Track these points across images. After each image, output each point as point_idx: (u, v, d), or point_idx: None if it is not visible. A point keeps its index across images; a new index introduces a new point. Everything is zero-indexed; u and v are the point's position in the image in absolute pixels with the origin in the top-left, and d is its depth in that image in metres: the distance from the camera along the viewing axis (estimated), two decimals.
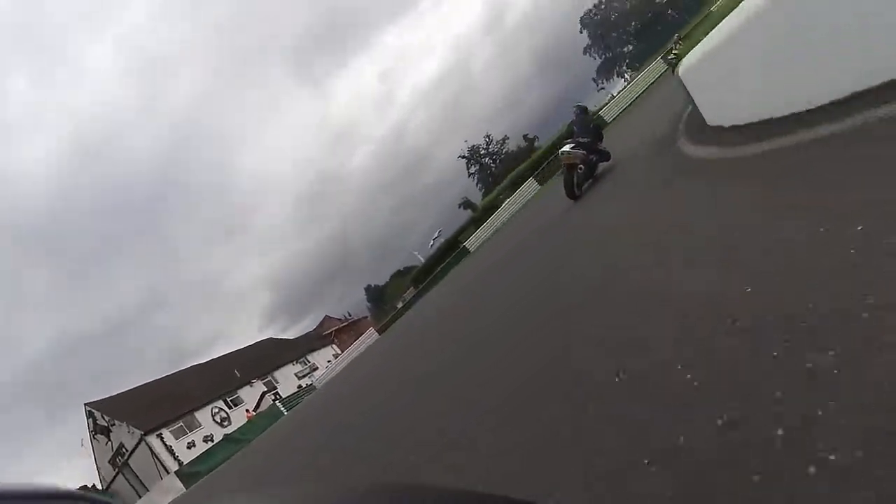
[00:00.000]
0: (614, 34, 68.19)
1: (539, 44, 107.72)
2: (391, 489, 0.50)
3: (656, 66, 23.90)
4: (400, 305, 33.49)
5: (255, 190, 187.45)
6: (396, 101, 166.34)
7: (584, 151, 8.42)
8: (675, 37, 21.58)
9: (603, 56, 70.31)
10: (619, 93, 27.80)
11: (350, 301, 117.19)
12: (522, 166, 29.71)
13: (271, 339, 51.33)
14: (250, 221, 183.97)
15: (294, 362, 43.70)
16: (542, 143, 42.25)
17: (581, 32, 71.22)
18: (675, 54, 18.84)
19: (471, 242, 26.77)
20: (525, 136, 69.02)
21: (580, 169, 8.38)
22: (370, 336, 30.10)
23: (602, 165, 9.14)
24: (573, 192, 8.31)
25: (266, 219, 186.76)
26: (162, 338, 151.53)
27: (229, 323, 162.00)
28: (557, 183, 14.30)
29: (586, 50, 71.66)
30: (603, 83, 69.25)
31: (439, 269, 28.92)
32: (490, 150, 71.04)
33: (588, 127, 9.10)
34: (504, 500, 0.53)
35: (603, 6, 69.52)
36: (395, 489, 0.51)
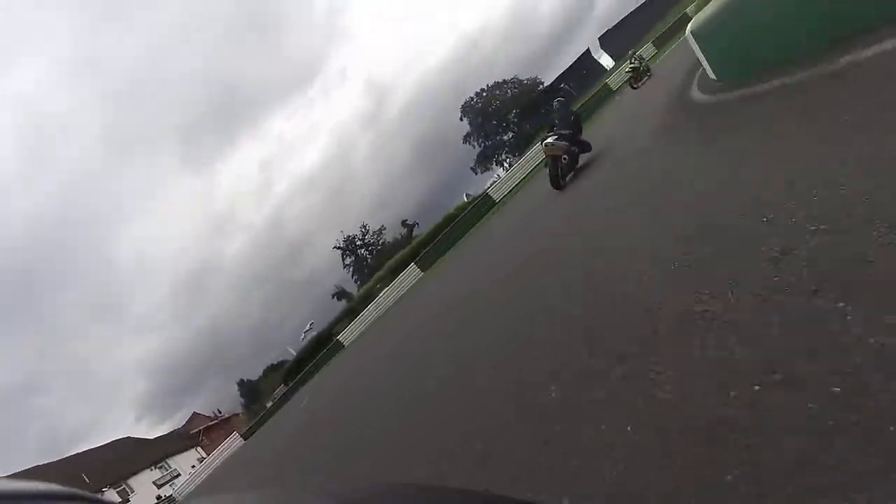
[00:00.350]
0: (494, 122, 70.12)
1: (421, 132, 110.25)
2: (393, 490, 0.49)
3: (534, 154, 22.71)
4: (269, 404, 31.37)
5: (133, 272, 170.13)
6: (276, 189, 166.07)
7: (567, 143, 8.70)
8: (631, 52, 22.24)
9: (483, 144, 71.03)
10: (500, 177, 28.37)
11: (224, 395, 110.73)
12: (402, 253, 29.88)
13: (130, 437, 44.57)
14: (128, 305, 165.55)
15: (153, 467, 38.23)
16: (423, 230, 42.80)
17: (461, 120, 71.75)
18: (632, 68, 20.67)
19: (346, 335, 25.91)
20: (404, 223, 64.54)
21: (564, 159, 8.64)
22: (234, 441, 27.31)
23: (583, 157, 9.35)
24: (558, 183, 8.57)
25: (144, 304, 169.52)
26: (36, 424, 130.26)
27: (103, 412, 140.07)
28: (454, 259, 14.38)
29: (466, 138, 71.51)
30: (480, 171, 70.40)
31: (311, 364, 27.70)
32: (366, 240, 67.79)
33: (569, 119, 9.25)
34: (505, 500, 0.54)
35: (484, 94, 71.15)
36: (397, 490, 0.50)
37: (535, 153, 22.58)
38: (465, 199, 36.36)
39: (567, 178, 8.86)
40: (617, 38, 57.33)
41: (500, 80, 71.57)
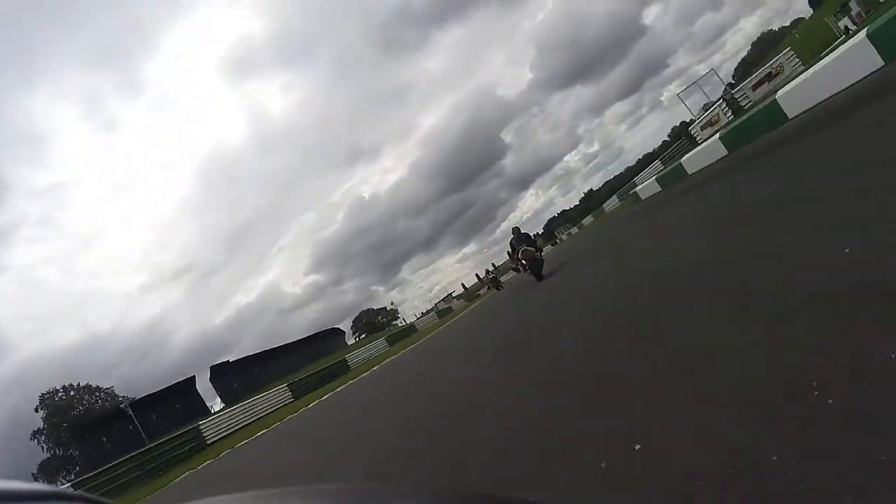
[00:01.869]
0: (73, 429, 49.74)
1: None
2: (394, 491, 0.50)
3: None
4: None
5: None
6: None
7: (534, 248, 13.10)
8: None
9: (52, 451, 52.55)
10: None
11: None
12: None
13: None
14: None
15: None
16: None
17: (37, 411, 53.30)
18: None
19: None
20: None
21: (537, 257, 12.74)
22: None
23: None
24: (540, 276, 12.57)
25: None
26: None
27: None
28: None
29: (35, 435, 52.83)
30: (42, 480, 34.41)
31: None
32: None
33: (527, 238, 13.77)
34: (506, 500, 0.52)
35: (73, 394, 55.01)
36: (399, 491, 0.50)
37: None
38: None
39: (543, 273, 12.79)
40: (230, 374, 51.27)
41: (94, 386, 57.30)
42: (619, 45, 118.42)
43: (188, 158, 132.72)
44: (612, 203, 46.00)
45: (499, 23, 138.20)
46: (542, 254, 13.65)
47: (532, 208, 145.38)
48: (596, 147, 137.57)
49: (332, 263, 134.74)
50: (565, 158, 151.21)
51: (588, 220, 45.97)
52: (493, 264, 33.04)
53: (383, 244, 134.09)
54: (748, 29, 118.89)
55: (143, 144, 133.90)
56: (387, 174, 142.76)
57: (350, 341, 72.31)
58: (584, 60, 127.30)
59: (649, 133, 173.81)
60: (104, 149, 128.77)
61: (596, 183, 76.69)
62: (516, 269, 14.23)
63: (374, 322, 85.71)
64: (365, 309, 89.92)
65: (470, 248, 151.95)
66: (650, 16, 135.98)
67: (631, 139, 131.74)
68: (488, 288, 32.09)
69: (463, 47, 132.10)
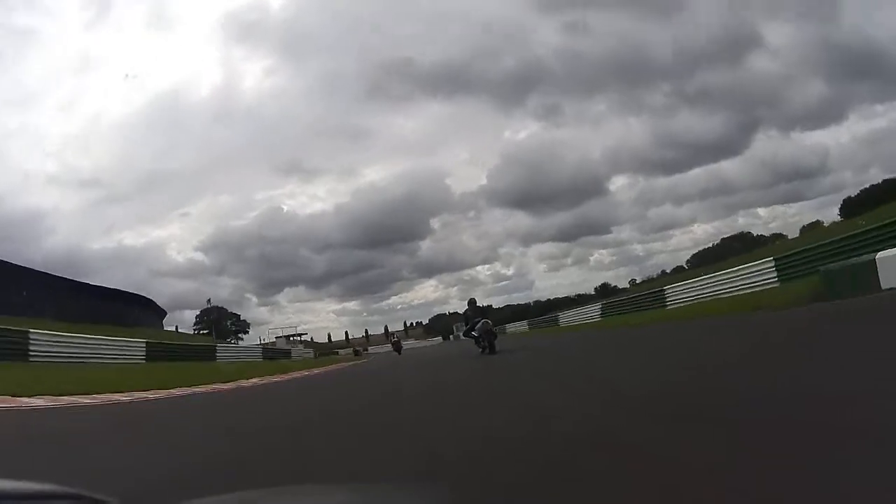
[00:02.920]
0: None
1: None
2: (395, 491, 0.50)
3: None
4: None
5: None
6: None
7: (490, 321, 13.98)
8: None
9: None
10: None
11: None
12: None
13: None
14: None
15: None
16: None
17: None
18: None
19: None
20: None
21: (493, 332, 13.41)
22: None
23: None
24: (494, 349, 12.90)
25: None
26: None
27: None
28: None
29: None
30: None
31: None
32: None
33: (483, 311, 15.25)
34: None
35: None
36: (401, 490, 0.52)
37: None
38: None
39: (496, 347, 13.21)
40: None
41: None
42: (575, 194, 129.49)
43: (152, 84, 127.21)
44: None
45: (483, 119, 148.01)
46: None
47: (426, 297, 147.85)
48: (510, 271, 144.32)
49: (223, 253, 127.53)
50: (478, 268, 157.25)
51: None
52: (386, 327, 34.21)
53: (277, 261, 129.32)
54: (697, 233, 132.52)
55: (123, 43, 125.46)
56: (313, 201, 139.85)
57: (172, 328, 58.87)
58: (538, 192, 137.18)
59: (563, 282, 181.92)
60: (88, 26, 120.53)
61: (495, 302, 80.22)
62: (477, 343, 13.56)
63: (222, 324, 76.55)
64: (221, 307, 79.45)
65: (352, 304, 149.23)
66: (616, 183, 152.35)
67: (545, 279, 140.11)
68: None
69: (438, 125, 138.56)
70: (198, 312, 78.29)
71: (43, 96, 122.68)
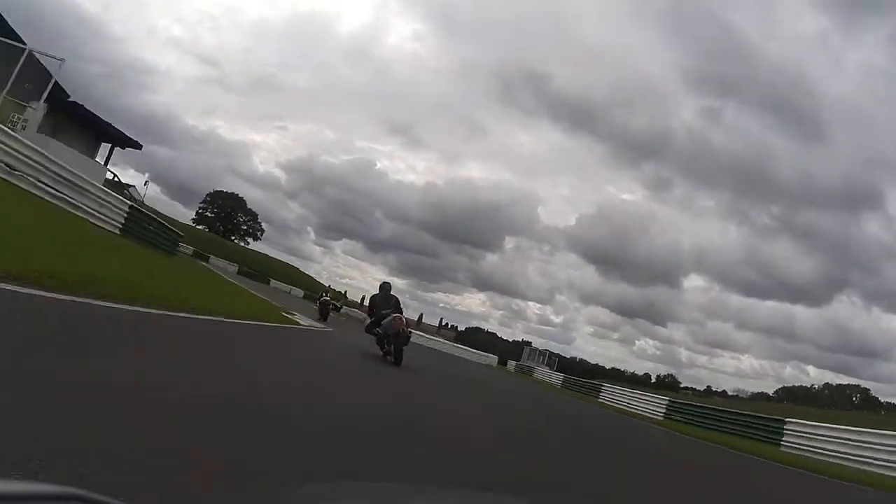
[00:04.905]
0: None
1: None
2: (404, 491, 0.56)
3: None
4: None
5: None
6: None
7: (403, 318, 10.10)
8: None
9: None
10: None
11: None
12: None
13: None
14: None
15: None
16: None
17: None
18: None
19: None
20: None
21: (404, 330, 9.66)
22: None
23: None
24: (401, 358, 9.43)
25: None
26: None
27: None
28: None
29: None
30: None
31: None
32: None
33: (396, 302, 10.51)
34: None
35: None
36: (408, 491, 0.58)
37: None
38: None
39: (402, 357, 9.59)
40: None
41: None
42: (649, 275, 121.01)
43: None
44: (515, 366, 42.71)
45: (594, 165, 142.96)
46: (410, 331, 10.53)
47: (469, 307, 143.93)
48: (558, 319, 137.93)
49: (302, 179, 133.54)
50: (529, 303, 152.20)
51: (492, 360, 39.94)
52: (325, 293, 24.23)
53: (349, 210, 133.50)
54: (743, 364, 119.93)
55: None
56: (407, 170, 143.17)
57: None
58: (617, 256, 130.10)
59: (601, 352, 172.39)
60: None
61: (534, 342, 75.74)
62: (379, 342, 9.97)
63: (233, 218, 64.00)
64: (239, 196, 68.07)
65: (400, 281, 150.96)
66: (691, 281, 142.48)
67: (586, 342, 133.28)
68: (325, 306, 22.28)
69: (551, 152, 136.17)
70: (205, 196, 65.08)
71: None
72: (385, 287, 11.06)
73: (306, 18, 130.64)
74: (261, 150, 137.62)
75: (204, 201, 64.61)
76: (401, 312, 10.05)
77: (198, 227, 59.74)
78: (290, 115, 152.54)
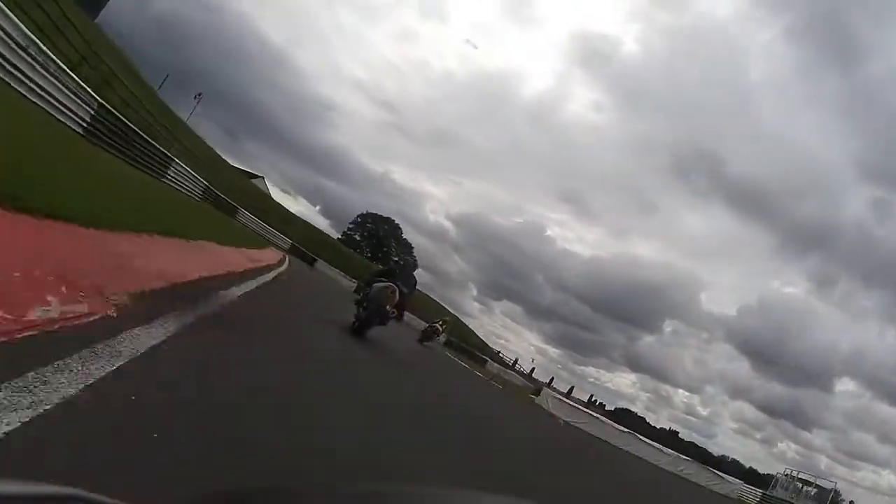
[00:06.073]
0: None
1: None
2: (395, 491, 0.50)
3: None
4: None
5: None
6: None
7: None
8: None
9: None
10: None
11: None
12: None
13: None
14: None
15: None
16: None
17: None
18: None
19: None
20: None
21: (393, 314, 7.64)
22: None
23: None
24: (369, 326, 7.48)
25: None
26: None
27: None
28: None
29: None
30: None
31: None
32: None
33: (407, 275, 8.52)
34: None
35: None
36: (406, 491, 0.50)
37: None
38: None
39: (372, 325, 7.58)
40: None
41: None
42: (802, 375, 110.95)
43: (487, 60, 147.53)
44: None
45: (761, 254, 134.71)
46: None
47: (618, 387, 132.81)
48: (704, 412, 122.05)
49: (470, 234, 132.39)
50: (679, 390, 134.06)
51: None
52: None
53: (513, 272, 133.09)
54: (882, 479, 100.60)
55: (478, 11, 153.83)
56: (575, 240, 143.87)
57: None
58: (773, 351, 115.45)
59: (741, 450, 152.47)
60: None
61: (680, 432, 66.64)
62: (357, 308, 7.59)
63: (382, 242, 59.11)
64: (388, 217, 63.75)
65: (552, 350, 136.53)
66: (844, 385, 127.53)
67: (726, 438, 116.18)
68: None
69: (718, 237, 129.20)
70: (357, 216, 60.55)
71: (385, 18, 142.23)
72: (410, 264, 9.34)
73: (491, 78, 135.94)
74: (433, 200, 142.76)
75: (354, 222, 58.32)
76: (398, 284, 7.64)
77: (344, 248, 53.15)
78: (465, 169, 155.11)
